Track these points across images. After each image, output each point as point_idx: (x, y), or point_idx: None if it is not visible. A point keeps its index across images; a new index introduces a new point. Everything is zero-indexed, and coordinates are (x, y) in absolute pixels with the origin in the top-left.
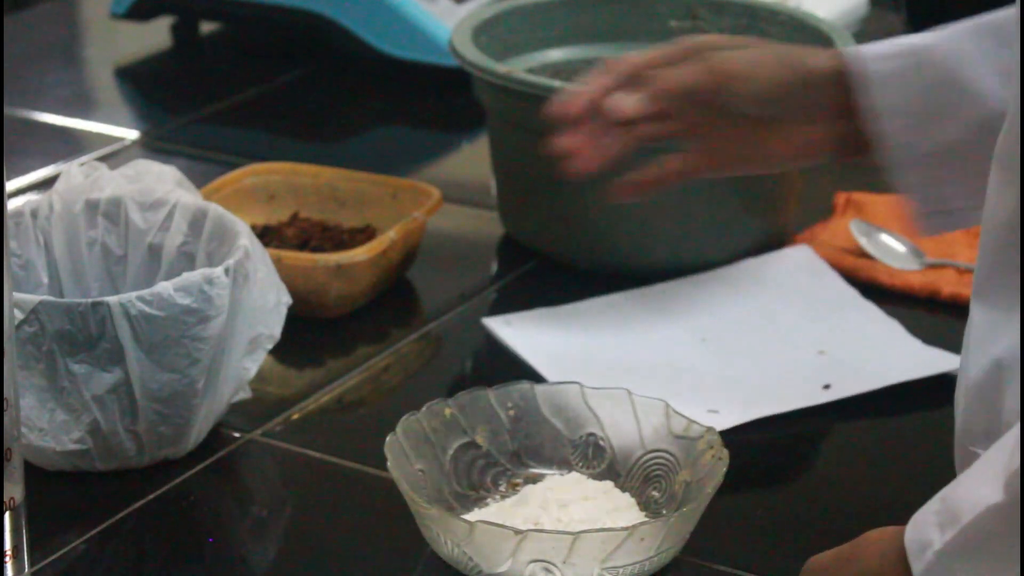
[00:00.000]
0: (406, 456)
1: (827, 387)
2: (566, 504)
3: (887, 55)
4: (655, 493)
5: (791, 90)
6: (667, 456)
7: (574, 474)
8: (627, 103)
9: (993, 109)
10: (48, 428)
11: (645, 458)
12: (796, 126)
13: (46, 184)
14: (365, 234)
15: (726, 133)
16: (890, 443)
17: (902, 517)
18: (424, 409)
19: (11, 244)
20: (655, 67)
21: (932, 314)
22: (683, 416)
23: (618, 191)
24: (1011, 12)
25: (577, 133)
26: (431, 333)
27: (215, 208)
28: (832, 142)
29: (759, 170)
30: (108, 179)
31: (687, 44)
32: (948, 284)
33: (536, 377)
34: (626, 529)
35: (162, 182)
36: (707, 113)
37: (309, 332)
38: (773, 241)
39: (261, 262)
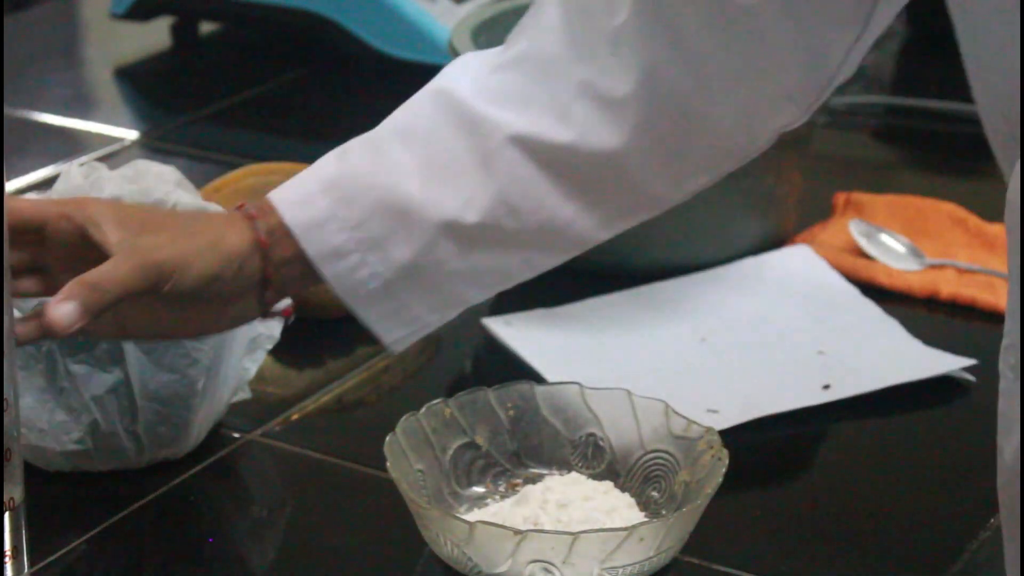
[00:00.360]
0: (406, 456)
1: (827, 387)
2: (566, 504)
3: (306, 199)
4: (655, 493)
5: (223, 275)
6: (667, 456)
7: (574, 474)
8: (66, 320)
9: (435, 215)
10: (48, 428)
11: (645, 458)
12: (230, 302)
13: (46, 184)
14: None
15: (147, 313)
16: (890, 443)
17: (902, 517)
18: (424, 409)
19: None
20: (34, 230)
21: (932, 314)
22: (683, 416)
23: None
24: (421, 109)
25: None
26: (431, 333)
27: (215, 208)
28: (270, 301)
29: (181, 337)
30: (108, 179)
31: (66, 209)
32: (948, 284)
33: (536, 377)
34: (626, 529)
35: (162, 182)
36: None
37: (309, 332)
38: (773, 241)
39: None
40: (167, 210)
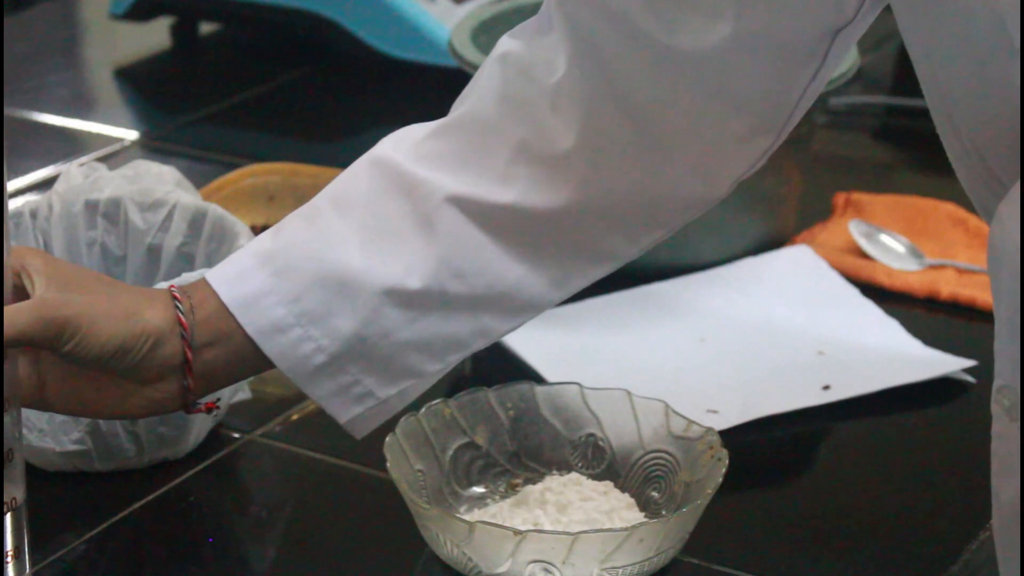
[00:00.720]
0: (406, 456)
1: (827, 388)
2: (565, 505)
3: (242, 274)
4: (655, 493)
5: (132, 349)
6: (667, 456)
7: (573, 474)
8: None
9: (377, 282)
10: (47, 429)
11: (645, 458)
12: (148, 383)
13: (46, 184)
14: None
15: (67, 382)
16: (890, 443)
17: (902, 517)
18: (424, 409)
19: (11, 244)
20: None
21: (931, 314)
22: (683, 416)
23: None
24: (357, 177)
25: None
26: None
27: (215, 209)
28: (192, 389)
29: (99, 416)
30: (107, 179)
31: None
32: (947, 284)
33: (536, 377)
34: (625, 530)
35: (161, 183)
36: (41, 354)
37: None
38: (773, 241)
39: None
40: (99, 275)
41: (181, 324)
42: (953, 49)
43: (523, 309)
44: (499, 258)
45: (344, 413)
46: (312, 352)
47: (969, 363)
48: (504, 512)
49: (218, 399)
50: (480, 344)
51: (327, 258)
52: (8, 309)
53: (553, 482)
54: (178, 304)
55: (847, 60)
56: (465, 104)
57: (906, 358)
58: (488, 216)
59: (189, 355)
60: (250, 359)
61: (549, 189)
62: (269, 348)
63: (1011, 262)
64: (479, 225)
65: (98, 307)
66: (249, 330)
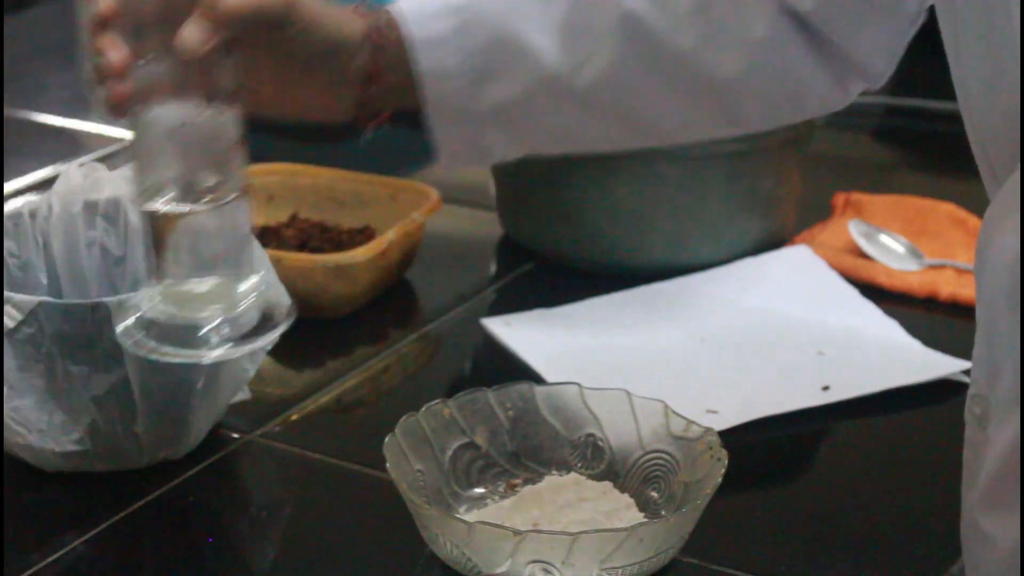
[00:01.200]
0: (405, 457)
1: (826, 388)
2: (565, 505)
3: (432, 15)
4: (654, 494)
5: (345, 51)
6: (666, 457)
7: (573, 475)
8: (196, 39)
9: (547, 68)
10: (47, 429)
11: (644, 459)
12: (337, 87)
13: (45, 185)
14: (364, 235)
15: (255, 71)
16: (890, 443)
17: (901, 517)
18: (423, 410)
19: (10, 245)
20: None
21: (931, 314)
22: (682, 417)
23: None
24: None
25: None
26: (430, 334)
27: None
28: (367, 102)
29: (274, 112)
30: (107, 180)
31: None
32: (947, 284)
33: (535, 378)
34: (625, 530)
35: None
36: (255, 41)
37: (308, 333)
38: (773, 241)
39: (260, 263)
40: None
41: (378, 35)
42: (973, 36)
43: (650, 137)
44: (649, 83)
45: (451, 156)
46: (464, 104)
47: (968, 364)
48: (504, 512)
49: (390, 114)
50: (605, 148)
51: (510, 27)
52: None
53: (553, 482)
54: (375, 21)
55: None
56: None
57: (905, 359)
58: (650, 45)
59: (379, 66)
60: (407, 95)
61: (716, 54)
62: (429, 91)
63: (992, 269)
64: (642, 49)
65: (317, 6)
66: (422, 66)
